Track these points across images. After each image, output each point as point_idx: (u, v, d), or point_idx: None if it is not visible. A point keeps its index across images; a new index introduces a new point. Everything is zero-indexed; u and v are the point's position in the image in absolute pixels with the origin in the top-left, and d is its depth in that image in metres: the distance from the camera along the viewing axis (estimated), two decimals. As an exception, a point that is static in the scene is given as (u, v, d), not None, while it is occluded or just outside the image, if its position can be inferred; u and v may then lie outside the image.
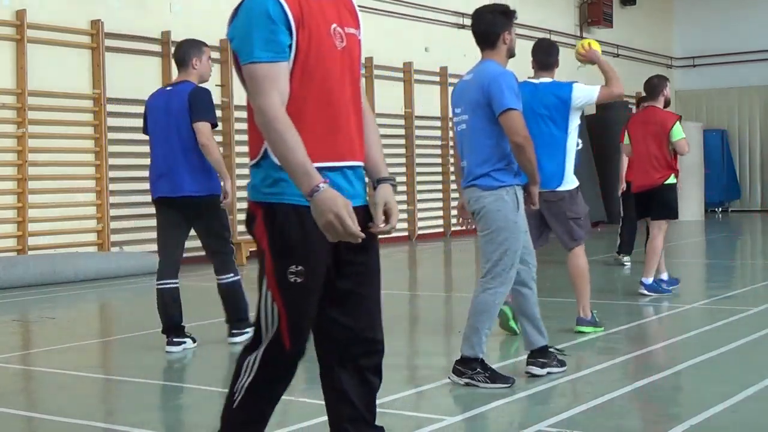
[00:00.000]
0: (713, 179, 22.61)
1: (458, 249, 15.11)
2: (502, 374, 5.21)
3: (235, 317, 6.70)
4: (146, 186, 12.87)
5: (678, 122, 8.66)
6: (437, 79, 17.53)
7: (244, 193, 12.79)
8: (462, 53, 17.78)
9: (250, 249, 12.54)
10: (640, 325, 7.26)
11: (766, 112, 24.30)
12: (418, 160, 17.08)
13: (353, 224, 2.73)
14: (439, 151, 17.62)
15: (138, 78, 12.68)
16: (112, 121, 12.32)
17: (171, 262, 6.56)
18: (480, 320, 5.21)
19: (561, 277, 8.02)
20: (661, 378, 5.39)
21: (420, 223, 17.06)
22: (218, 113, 13.71)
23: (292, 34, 2.80)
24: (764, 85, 24.04)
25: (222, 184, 6.54)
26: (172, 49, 12.84)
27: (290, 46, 2.81)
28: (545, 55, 6.73)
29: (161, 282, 6.52)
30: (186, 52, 6.73)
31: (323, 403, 4.99)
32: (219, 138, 13.74)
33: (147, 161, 12.87)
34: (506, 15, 5.31)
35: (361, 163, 3.00)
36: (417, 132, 17.07)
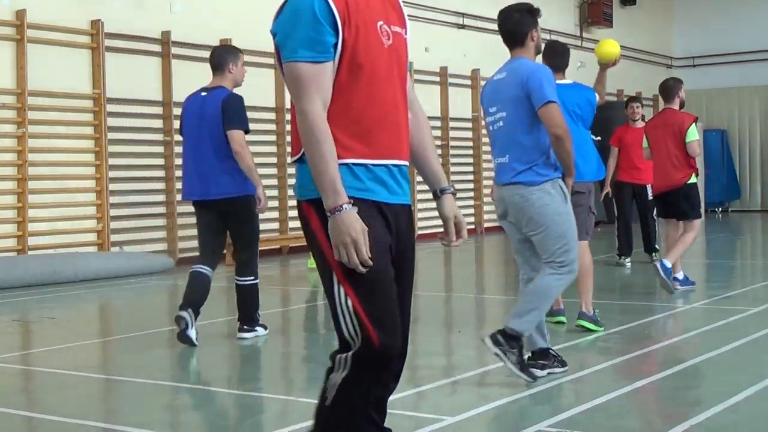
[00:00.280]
0: (713, 179, 22.61)
1: (458, 249, 15.09)
2: (530, 369, 5.24)
3: (247, 316, 6.92)
4: (146, 186, 13.02)
5: (694, 123, 8.80)
6: (437, 79, 17.53)
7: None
8: (462, 53, 17.84)
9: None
10: (640, 325, 7.26)
11: (766, 112, 24.30)
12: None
13: (366, 253, 2.71)
14: (439, 151, 17.61)
15: (138, 78, 12.69)
16: (112, 121, 12.32)
17: (205, 261, 6.82)
18: (536, 300, 5.23)
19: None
20: (660, 378, 5.39)
21: (420, 223, 17.06)
22: (218, 113, 13.79)
23: (338, 33, 2.76)
24: (764, 85, 24.04)
25: (256, 193, 6.69)
26: (173, 49, 12.97)
27: (335, 45, 2.77)
28: (560, 57, 6.97)
29: (195, 267, 6.78)
30: (223, 57, 6.91)
31: (323, 403, 5.00)
32: (219, 138, 13.75)
33: (147, 161, 13.05)
34: (532, 13, 5.44)
35: (407, 162, 2.96)
36: (417, 132, 17.06)
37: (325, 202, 2.72)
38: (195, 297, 6.72)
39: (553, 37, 19.47)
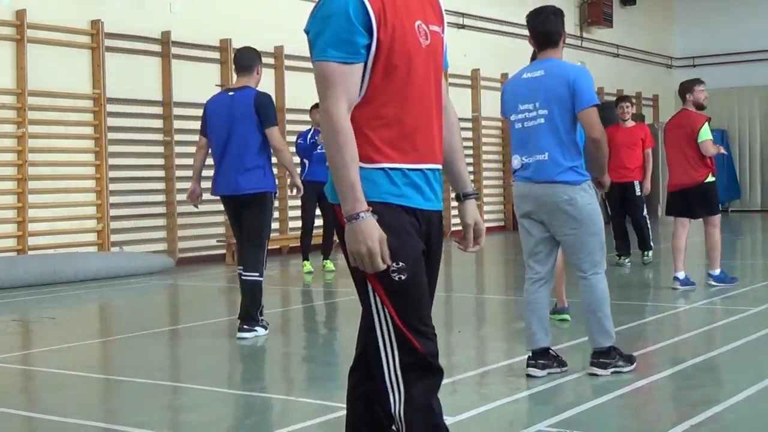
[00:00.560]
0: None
1: (458, 249, 15.10)
2: (529, 368, 5.39)
3: (248, 315, 7.03)
4: (146, 186, 13.02)
5: (706, 124, 9.00)
6: (437, 79, 17.51)
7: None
8: (462, 53, 17.82)
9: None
10: (639, 325, 7.26)
11: (766, 112, 24.29)
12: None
13: (381, 262, 2.66)
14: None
15: (138, 78, 12.69)
16: (112, 121, 12.33)
17: (239, 247, 7.23)
18: (606, 308, 5.38)
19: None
20: (660, 378, 5.39)
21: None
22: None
23: (373, 34, 2.69)
24: (764, 85, 24.04)
25: (289, 180, 7.27)
26: (173, 49, 12.97)
27: (368, 47, 2.70)
28: None
29: (239, 270, 7.20)
30: (253, 59, 7.14)
31: (323, 402, 5.01)
32: (219, 138, 13.75)
33: (147, 161, 13.05)
34: (562, 15, 5.62)
35: (440, 166, 2.90)
36: (417, 132, 17.06)
37: (343, 208, 2.66)
38: (245, 304, 7.07)
39: (553, 37, 19.51)
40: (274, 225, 14.28)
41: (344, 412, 4.76)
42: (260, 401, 5.22)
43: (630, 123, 11.58)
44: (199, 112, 13.36)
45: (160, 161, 13.00)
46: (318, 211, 11.66)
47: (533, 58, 7.02)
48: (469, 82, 18.30)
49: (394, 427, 2.84)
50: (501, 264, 13.20)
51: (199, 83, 13.37)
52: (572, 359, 5.70)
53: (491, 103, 17.48)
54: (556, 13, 5.54)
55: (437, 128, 2.87)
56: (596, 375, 5.35)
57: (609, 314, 5.40)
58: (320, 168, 11.05)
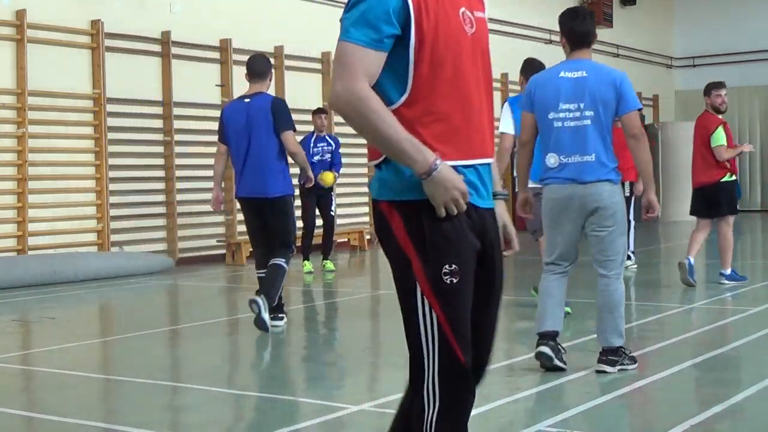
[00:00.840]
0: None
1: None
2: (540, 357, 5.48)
3: (266, 294, 7.19)
4: (146, 186, 13.03)
5: (720, 127, 9.20)
6: (437, 79, 17.52)
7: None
8: (462, 53, 17.83)
9: (250, 249, 12.52)
10: (639, 325, 7.26)
11: (766, 112, 24.29)
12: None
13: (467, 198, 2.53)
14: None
15: (138, 78, 12.70)
16: (112, 121, 12.33)
17: (262, 253, 7.44)
18: (622, 309, 5.46)
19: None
20: (660, 378, 5.39)
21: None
22: (218, 113, 13.77)
23: (410, 25, 2.53)
24: (764, 85, 24.04)
25: (307, 175, 7.96)
26: (172, 49, 12.97)
27: (396, 39, 2.53)
28: (537, 72, 7.50)
29: (260, 271, 7.43)
30: (267, 66, 7.50)
31: (323, 402, 5.02)
32: (219, 138, 13.76)
33: (147, 161, 13.05)
34: (594, 17, 5.86)
35: (492, 160, 2.74)
36: (417, 132, 17.06)
37: (415, 167, 2.47)
38: (267, 285, 7.27)
39: (554, 37, 19.49)
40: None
41: (344, 412, 4.78)
42: (260, 401, 5.23)
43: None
44: (199, 112, 13.52)
45: (160, 161, 13.00)
46: (317, 212, 11.74)
47: (528, 67, 7.18)
48: (469, 82, 18.29)
49: None
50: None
51: (199, 83, 13.38)
52: (572, 359, 5.70)
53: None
54: (591, 15, 5.69)
55: (488, 120, 2.72)
56: (605, 372, 5.37)
57: (623, 315, 5.47)
58: (319, 172, 11.16)
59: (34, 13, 11.57)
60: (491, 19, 18.58)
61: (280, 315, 7.43)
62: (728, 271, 9.38)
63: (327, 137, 11.96)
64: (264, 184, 7.25)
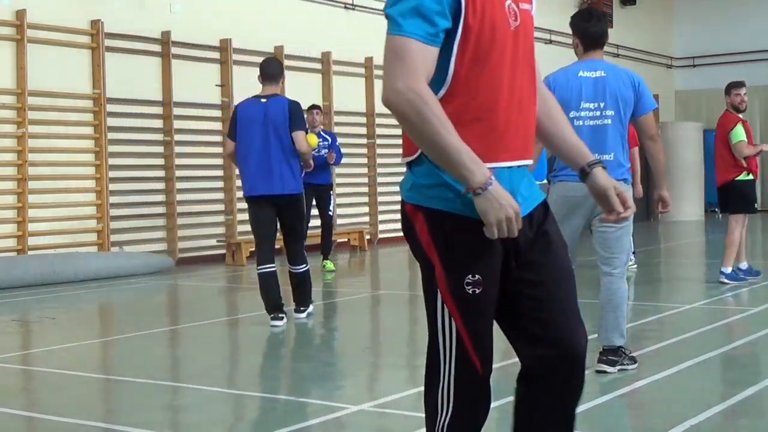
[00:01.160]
0: (713, 179, 22.59)
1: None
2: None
3: (304, 298, 7.76)
4: (146, 186, 13.01)
5: (738, 125, 9.52)
6: (437, 79, 17.52)
7: (241, 194, 12.75)
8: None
9: (251, 249, 12.53)
10: (640, 325, 7.26)
11: (766, 112, 24.29)
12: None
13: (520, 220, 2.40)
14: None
15: (138, 78, 12.70)
16: (112, 121, 12.33)
17: (267, 250, 7.59)
18: (624, 308, 5.52)
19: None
20: (660, 378, 5.39)
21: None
22: (218, 113, 13.84)
23: (460, 14, 2.39)
24: (764, 85, 24.03)
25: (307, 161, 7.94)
26: (172, 49, 12.97)
27: (448, 31, 2.40)
28: None
29: (261, 267, 7.52)
30: (280, 69, 7.76)
31: (323, 402, 5.02)
32: (219, 138, 13.76)
33: (147, 161, 13.04)
34: (606, 18, 5.82)
35: (530, 161, 2.61)
36: (417, 132, 17.05)
37: (470, 180, 2.33)
38: (274, 301, 7.51)
39: (554, 37, 19.50)
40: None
41: (344, 412, 4.78)
42: (260, 401, 5.23)
43: None
44: (199, 112, 13.51)
45: (160, 161, 13.00)
46: (315, 212, 11.73)
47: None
48: (469, 82, 18.29)
49: None
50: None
51: (199, 83, 13.38)
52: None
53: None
54: (604, 16, 5.75)
55: (531, 120, 2.58)
56: (605, 372, 5.38)
57: (625, 315, 5.50)
58: (317, 171, 11.15)
59: (34, 13, 11.57)
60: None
61: (280, 315, 7.49)
62: (728, 270, 9.42)
63: (322, 133, 11.93)
64: (284, 181, 7.45)
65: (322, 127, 12.25)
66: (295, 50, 14.67)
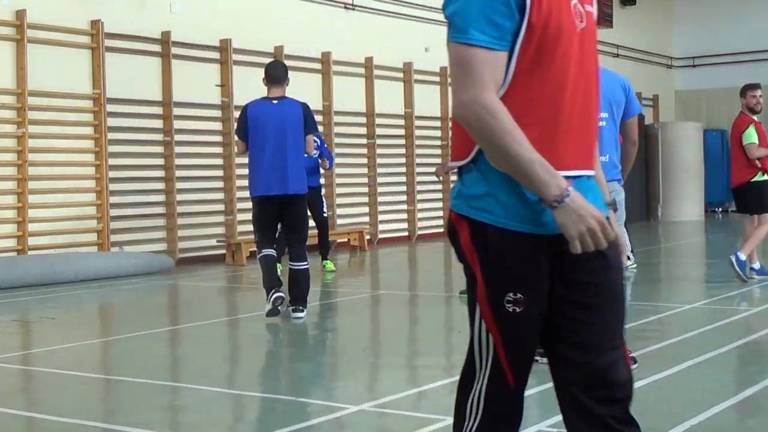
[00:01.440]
0: (713, 179, 22.62)
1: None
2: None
3: (302, 297, 7.80)
4: (146, 186, 13.00)
5: (751, 126, 9.59)
6: (437, 79, 17.53)
7: (241, 194, 12.65)
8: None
9: (251, 249, 12.53)
10: (640, 326, 7.26)
11: (766, 112, 24.26)
12: (418, 160, 17.08)
13: (611, 229, 2.26)
14: (439, 152, 17.61)
15: (138, 78, 12.70)
16: (112, 121, 12.33)
17: (270, 238, 7.91)
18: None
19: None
20: (660, 378, 5.39)
21: (420, 223, 17.07)
22: (218, 113, 13.85)
23: (525, 12, 2.26)
24: (764, 85, 23.99)
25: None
26: (172, 49, 12.97)
27: (516, 33, 2.27)
28: None
29: (265, 250, 7.83)
30: (285, 71, 7.95)
31: (323, 403, 5.02)
32: (219, 138, 13.77)
33: (147, 161, 13.03)
34: None
35: (594, 173, 2.47)
36: (417, 132, 17.08)
37: (546, 192, 2.21)
38: (275, 281, 7.86)
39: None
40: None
41: (344, 412, 4.78)
42: (260, 401, 5.23)
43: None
44: (199, 112, 13.51)
45: (160, 161, 13.00)
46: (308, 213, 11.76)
47: None
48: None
49: None
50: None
51: (199, 83, 13.38)
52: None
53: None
54: None
55: (595, 127, 2.46)
56: None
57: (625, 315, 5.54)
58: (309, 174, 11.22)
59: (34, 13, 11.57)
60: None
61: (280, 290, 7.86)
62: (743, 257, 9.56)
63: None
64: (297, 181, 7.69)
65: None
66: (295, 50, 14.67)
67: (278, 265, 11.33)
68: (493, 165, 2.29)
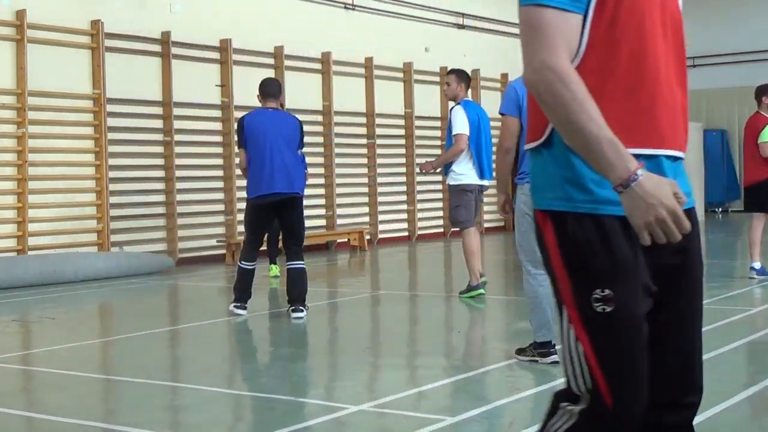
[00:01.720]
0: (713, 179, 22.61)
1: (458, 249, 15.09)
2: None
3: (300, 297, 7.92)
4: (146, 186, 13.01)
5: (766, 126, 9.72)
6: (437, 79, 17.52)
7: (240, 194, 12.68)
8: (462, 53, 17.83)
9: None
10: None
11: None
12: (418, 160, 17.06)
13: (686, 220, 1.98)
14: (439, 152, 17.59)
15: (138, 78, 12.70)
16: (112, 121, 12.33)
17: (257, 248, 8.09)
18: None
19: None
20: (661, 378, 5.38)
21: (420, 223, 17.06)
22: (218, 113, 13.84)
23: None
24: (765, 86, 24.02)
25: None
26: (172, 49, 12.98)
27: None
28: (468, 80, 9.42)
29: (249, 264, 8.02)
30: (279, 88, 8.37)
31: (323, 403, 5.02)
32: (219, 138, 13.77)
33: (147, 161, 13.04)
34: None
35: (683, 154, 2.23)
36: (417, 132, 17.08)
37: (611, 174, 1.99)
38: (249, 291, 8.10)
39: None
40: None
41: (344, 412, 4.78)
42: (260, 401, 5.23)
43: None
44: (199, 112, 13.52)
45: (160, 161, 13.00)
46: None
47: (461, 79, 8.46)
48: (469, 82, 18.28)
49: None
50: (501, 264, 13.20)
51: (199, 83, 13.38)
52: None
53: (491, 103, 17.50)
54: None
55: (681, 103, 2.21)
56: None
57: None
58: None
59: (34, 13, 11.57)
60: (490, 19, 18.64)
61: (245, 305, 8.05)
62: (758, 265, 9.78)
63: None
64: (299, 182, 7.98)
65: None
66: (295, 50, 14.67)
67: (274, 266, 11.41)
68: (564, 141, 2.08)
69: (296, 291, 7.92)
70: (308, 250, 12.19)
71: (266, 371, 6.29)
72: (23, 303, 9.57)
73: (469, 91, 9.28)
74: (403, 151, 16.93)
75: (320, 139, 15.31)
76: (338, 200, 15.58)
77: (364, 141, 16.12)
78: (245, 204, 8.17)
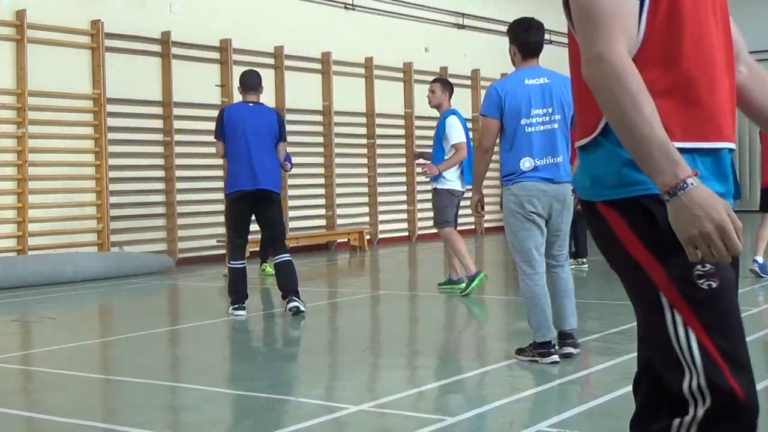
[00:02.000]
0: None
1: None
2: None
3: (293, 288, 7.93)
4: (146, 186, 13.01)
5: None
6: (437, 79, 17.53)
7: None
8: (462, 53, 17.84)
9: (250, 249, 12.51)
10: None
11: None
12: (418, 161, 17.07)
13: (738, 240, 1.84)
14: (439, 151, 17.60)
15: (138, 78, 12.70)
16: (112, 121, 12.33)
17: (244, 245, 8.19)
18: (573, 294, 5.91)
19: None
20: (661, 378, 5.38)
21: (420, 224, 17.06)
22: (217, 113, 13.82)
23: None
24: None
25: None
26: (172, 49, 12.98)
27: None
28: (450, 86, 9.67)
29: (239, 262, 8.07)
30: (258, 80, 8.39)
31: (323, 403, 5.02)
32: (219, 138, 13.76)
33: (147, 161, 13.04)
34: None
35: (734, 145, 2.10)
36: (417, 132, 17.07)
37: (657, 180, 1.87)
38: (245, 291, 8.09)
39: (553, 37, 19.49)
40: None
41: (344, 412, 4.78)
42: (260, 401, 5.22)
43: None
44: (199, 112, 13.52)
45: (160, 161, 13.01)
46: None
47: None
48: (469, 82, 18.30)
49: None
50: (501, 264, 13.20)
51: (199, 83, 13.39)
52: (572, 359, 5.70)
53: (491, 103, 17.51)
54: (542, 26, 5.92)
55: (730, 94, 2.11)
56: (572, 354, 5.70)
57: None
58: None
59: (34, 13, 11.57)
60: (490, 19, 18.64)
61: (244, 305, 8.05)
62: (761, 259, 9.89)
63: None
64: (273, 177, 7.97)
65: None
66: (295, 50, 14.67)
67: (266, 264, 11.40)
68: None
69: (288, 283, 7.96)
70: (308, 250, 12.23)
71: (266, 371, 6.29)
72: (23, 303, 9.57)
73: (469, 92, 9.34)
74: (403, 151, 16.93)
75: (320, 139, 15.31)
76: (338, 200, 15.58)
77: (364, 141, 16.12)
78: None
